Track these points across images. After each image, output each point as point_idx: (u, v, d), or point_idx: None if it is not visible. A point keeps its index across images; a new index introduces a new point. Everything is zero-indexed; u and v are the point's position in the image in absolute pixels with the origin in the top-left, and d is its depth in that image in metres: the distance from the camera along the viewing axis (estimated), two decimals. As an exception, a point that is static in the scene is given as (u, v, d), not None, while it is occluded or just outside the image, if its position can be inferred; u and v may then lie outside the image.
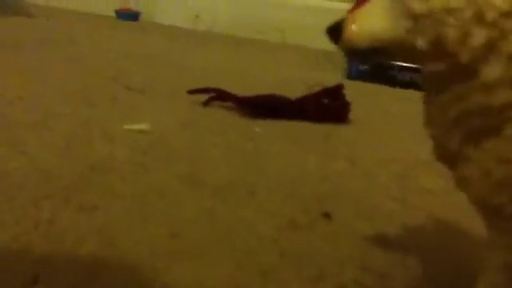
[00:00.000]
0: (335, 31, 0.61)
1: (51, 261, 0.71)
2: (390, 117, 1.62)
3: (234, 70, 2.06)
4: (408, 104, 1.55)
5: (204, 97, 1.50)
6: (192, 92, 1.51)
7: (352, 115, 1.51)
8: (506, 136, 0.52)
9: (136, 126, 1.25)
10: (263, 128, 1.37)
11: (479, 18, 0.51)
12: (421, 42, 0.54)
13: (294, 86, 1.75)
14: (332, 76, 2.03)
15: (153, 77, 1.80)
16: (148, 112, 1.40)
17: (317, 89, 1.52)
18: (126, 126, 1.25)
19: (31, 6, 3.05)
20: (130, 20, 3.16)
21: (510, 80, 0.51)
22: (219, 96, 1.52)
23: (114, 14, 3.19)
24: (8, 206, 0.83)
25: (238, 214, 0.88)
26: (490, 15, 0.50)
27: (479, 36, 0.51)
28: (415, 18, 0.54)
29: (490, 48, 0.51)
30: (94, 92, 1.52)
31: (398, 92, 1.99)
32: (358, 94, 1.73)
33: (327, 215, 0.91)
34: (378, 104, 1.79)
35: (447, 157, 0.58)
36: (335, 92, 1.52)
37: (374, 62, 0.53)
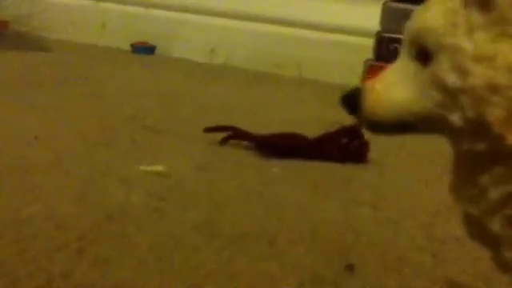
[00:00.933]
0: (352, 100, 0.54)
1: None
2: (411, 156, 1.57)
3: (250, 107, 2.04)
4: (429, 142, 1.51)
5: (220, 135, 1.48)
6: (208, 130, 1.49)
7: (371, 155, 1.47)
8: None
9: (152, 168, 1.23)
10: (281, 169, 1.34)
11: None
12: (456, 119, 0.47)
13: (311, 123, 1.72)
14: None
15: (169, 114, 1.79)
16: (164, 152, 1.38)
17: (335, 127, 1.48)
18: (142, 168, 1.23)
19: (47, 40, 3.07)
20: (146, 54, 3.17)
21: None
22: (236, 135, 1.49)
23: (129, 48, 3.21)
24: (20, 258, 0.80)
25: (259, 268, 0.84)
26: None
27: None
28: (450, 92, 0.47)
29: None
30: (111, 132, 1.51)
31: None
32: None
33: (350, 267, 0.87)
34: (397, 142, 1.75)
35: (485, 237, 0.52)
36: (354, 131, 1.49)
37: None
